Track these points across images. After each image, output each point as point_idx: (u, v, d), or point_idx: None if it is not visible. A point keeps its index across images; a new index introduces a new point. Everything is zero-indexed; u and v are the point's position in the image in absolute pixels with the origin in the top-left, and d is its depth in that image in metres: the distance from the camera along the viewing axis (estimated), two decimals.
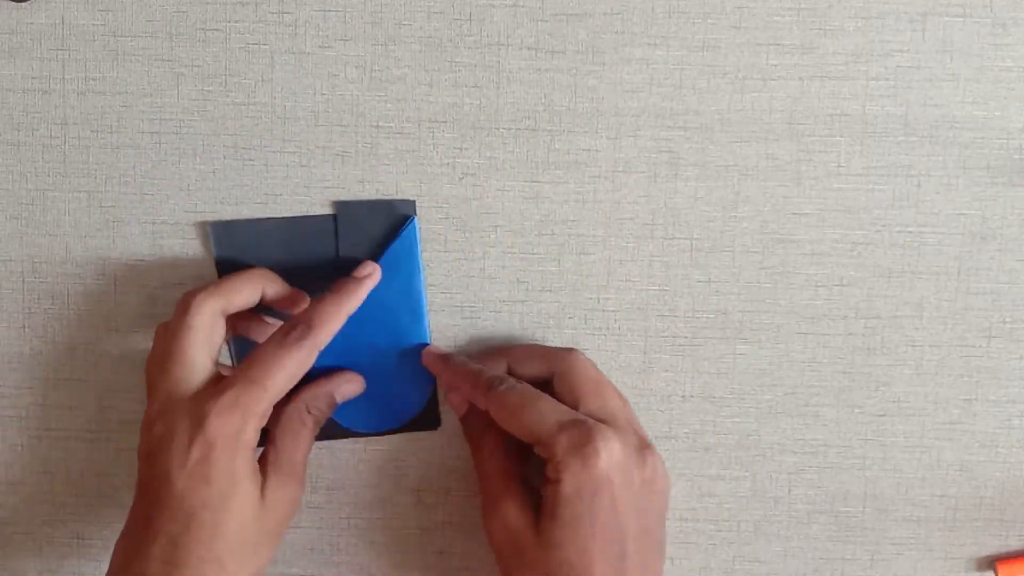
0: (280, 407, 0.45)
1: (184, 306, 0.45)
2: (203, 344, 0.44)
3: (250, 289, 0.46)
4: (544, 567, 0.43)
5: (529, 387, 0.45)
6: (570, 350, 0.47)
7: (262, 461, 0.45)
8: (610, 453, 0.43)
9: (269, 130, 0.49)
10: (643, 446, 0.45)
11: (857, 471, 0.51)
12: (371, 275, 0.47)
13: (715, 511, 0.51)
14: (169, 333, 0.45)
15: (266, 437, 0.45)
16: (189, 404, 0.43)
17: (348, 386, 0.48)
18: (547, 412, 0.44)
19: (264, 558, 0.44)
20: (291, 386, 0.44)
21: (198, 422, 0.42)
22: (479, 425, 0.47)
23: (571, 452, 0.42)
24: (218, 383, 0.44)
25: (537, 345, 0.49)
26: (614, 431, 0.43)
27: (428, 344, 0.50)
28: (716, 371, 0.50)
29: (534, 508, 0.44)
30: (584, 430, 0.43)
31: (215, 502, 0.42)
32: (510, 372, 0.47)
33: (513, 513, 0.44)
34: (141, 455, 0.44)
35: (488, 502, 0.46)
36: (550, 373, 0.47)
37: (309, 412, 0.47)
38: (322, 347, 0.44)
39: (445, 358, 0.48)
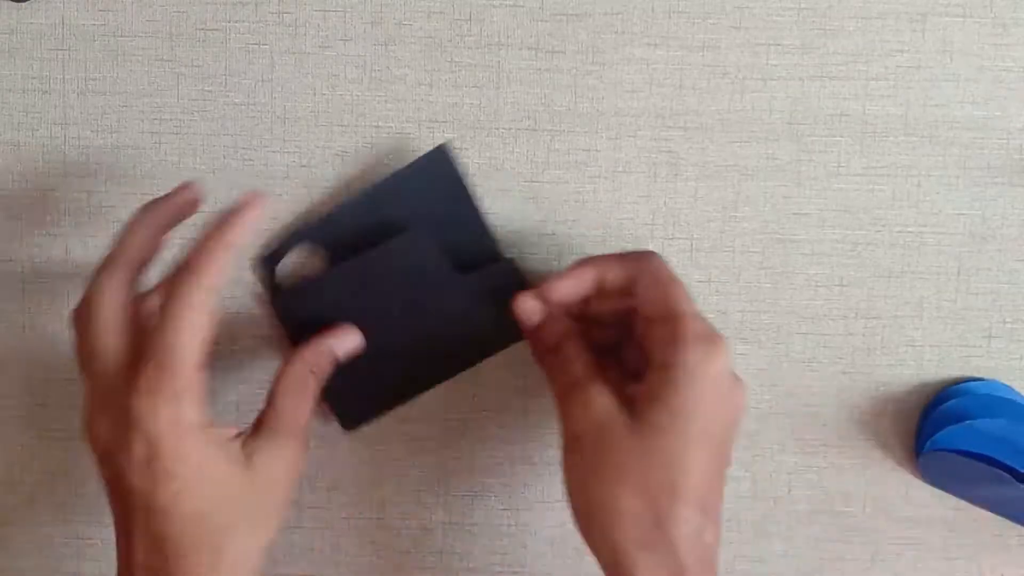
0: (283, 367, 0.45)
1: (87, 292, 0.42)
2: (110, 325, 0.42)
3: (140, 244, 0.43)
4: (638, 453, 0.41)
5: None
6: (647, 253, 0.46)
7: (258, 423, 0.43)
8: (727, 359, 0.42)
9: (269, 130, 0.49)
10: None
11: (857, 471, 0.51)
12: (250, 203, 0.42)
13: None
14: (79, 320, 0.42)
15: (267, 397, 0.44)
16: (116, 401, 0.41)
17: (349, 341, 0.47)
18: (686, 297, 0.44)
19: (271, 526, 0.43)
20: (206, 339, 0.41)
21: (130, 422, 0.40)
22: (557, 332, 0.46)
23: (699, 340, 0.42)
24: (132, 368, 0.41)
25: (614, 253, 0.46)
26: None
27: (505, 262, 0.48)
28: None
29: (621, 402, 0.43)
30: (712, 329, 0.43)
31: (185, 493, 0.40)
32: (599, 281, 0.46)
33: (604, 398, 0.43)
34: (97, 455, 0.42)
35: (576, 390, 0.44)
36: (630, 278, 0.45)
37: (312, 372, 0.45)
38: (216, 287, 0.41)
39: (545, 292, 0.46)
